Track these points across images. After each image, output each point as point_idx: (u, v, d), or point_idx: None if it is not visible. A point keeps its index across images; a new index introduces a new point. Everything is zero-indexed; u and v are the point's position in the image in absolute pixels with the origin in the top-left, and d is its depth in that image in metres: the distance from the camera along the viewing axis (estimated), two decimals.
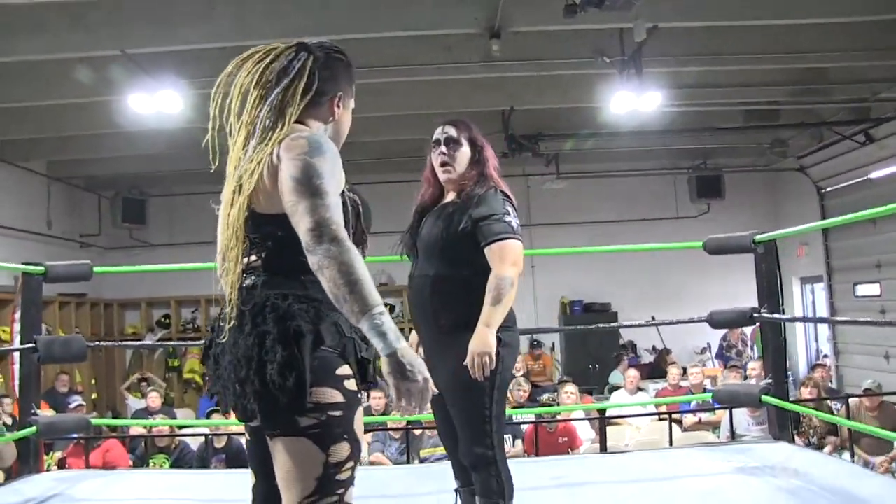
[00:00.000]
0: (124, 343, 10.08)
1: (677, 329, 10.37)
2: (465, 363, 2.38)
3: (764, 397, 3.74)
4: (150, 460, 5.69)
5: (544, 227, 11.26)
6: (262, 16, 5.63)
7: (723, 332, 9.61)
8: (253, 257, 1.77)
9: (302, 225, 1.59)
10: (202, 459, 5.69)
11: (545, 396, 6.37)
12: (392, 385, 1.56)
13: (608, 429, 6.63)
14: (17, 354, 4.44)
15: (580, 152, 9.96)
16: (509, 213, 2.50)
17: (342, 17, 5.77)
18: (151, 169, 10.29)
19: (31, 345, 3.92)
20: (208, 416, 6.06)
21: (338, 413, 1.65)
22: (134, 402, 9.04)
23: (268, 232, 1.72)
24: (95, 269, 4.08)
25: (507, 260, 2.43)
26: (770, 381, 3.84)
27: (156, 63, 6.16)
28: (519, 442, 5.76)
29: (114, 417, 8.93)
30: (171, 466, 5.69)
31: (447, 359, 2.46)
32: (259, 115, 1.76)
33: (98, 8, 5.42)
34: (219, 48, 6.05)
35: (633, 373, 7.54)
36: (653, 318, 9.75)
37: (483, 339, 2.35)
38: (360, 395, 1.77)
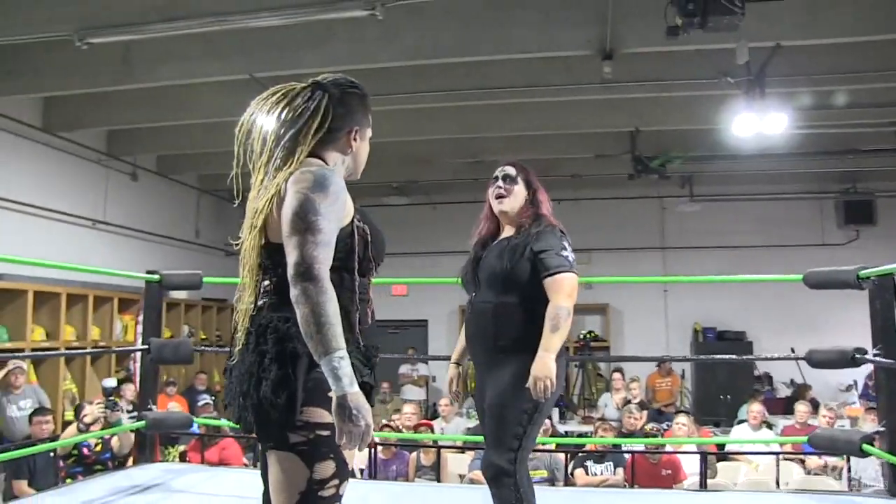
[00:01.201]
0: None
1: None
2: (525, 384, 2.52)
3: (865, 446, 3.44)
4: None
5: (678, 251, 10.93)
6: (377, 40, 5.83)
7: (870, 368, 8.86)
8: (266, 282, 1.87)
9: (290, 258, 1.70)
10: None
11: (650, 426, 6.13)
12: (336, 424, 1.64)
13: (722, 464, 6.34)
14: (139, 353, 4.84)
15: (715, 174, 9.58)
16: (566, 249, 2.66)
17: (456, 40, 5.89)
18: None
19: (146, 346, 4.30)
20: None
21: (326, 433, 1.72)
22: None
23: (278, 260, 1.80)
24: (235, 279, 4.39)
25: (563, 291, 2.59)
26: (882, 428, 3.54)
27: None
28: (620, 470, 5.60)
29: None
30: None
31: (499, 375, 2.62)
32: (274, 154, 1.86)
33: (229, 37, 5.83)
34: (342, 70, 6.38)
35: (757, 408, 7.12)
36: (792, 351, 9.16)
37: (545, 364, 2.50)
38: None
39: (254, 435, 1.86)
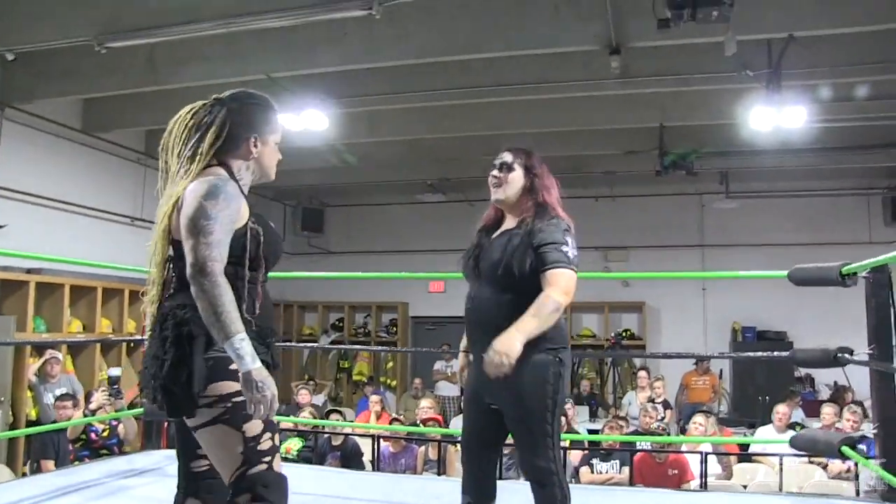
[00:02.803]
0: (288, 344, 10.93)
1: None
2: (538, 383, 2.53)
3: (844, 448, 3.34)
4: (283, 443, 6.14)
5: (717, 249, 10.71)
6: (389, 38, 5.90)
7: None
8: (171, 275, 2.10)
9: (187, 258, 1.93)
10: (321, 456, 6.06)
11: (655, 425, 6.05)
12: (246, 397, 1.88)
13: (742, 465, 6.23)
14: None
15: (753, 170, 9.35)
16: (567, 244, 2.58)
17: (467, 37, 5.92)
18: (330, 180, 11.06)
19: None
20: (326, 417, 6.43)
21: (240, 398, 1.92)
22: (302, 398, 9.78)
23: (179, 255, 2.01)
24: (277, 273, 4.54)
25: (558, 286, 2.51)
26: (865, 433, 3.44)
27: (302, 84, 6.70)
28: (626, 469, 5.55)
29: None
30: (299, 452, 6.06)
31: (513, 379, 2.47)
32: (182, 160, 2.09)
33: (248, 37, 6.00)
34: (360, 69, 6.50)
35: (783, 409, 6.95)
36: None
37: (510, 341, 2.39)
38: None
39: (167, 414, 2.04)
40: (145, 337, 2.13)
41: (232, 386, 1.94)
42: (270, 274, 2.18)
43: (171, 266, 2.09)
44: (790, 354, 3.67)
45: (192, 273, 1.89)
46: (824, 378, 10.22)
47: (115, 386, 5.26)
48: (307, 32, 5.90)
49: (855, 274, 3.47)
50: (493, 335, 2.49)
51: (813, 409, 9.15)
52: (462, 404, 8.89)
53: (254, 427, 1.95)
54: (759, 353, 4.88)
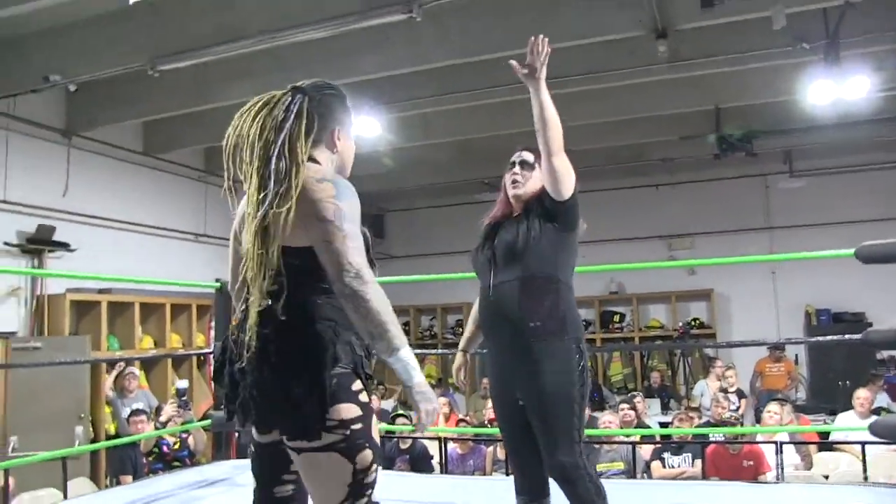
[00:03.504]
0: None
1: None
2: (566, 371, 2.51)
3: None
4: None
5: (785, 231, 10.35)
6: (431, 41, 5.91)
7: None
8: (275, 286, 1.85)
9: (333, 266, 1.79)
10: (390, 459, 6.09)
11: (727, 415, 5.86)
12: (422, 408, 1.84)
13: (823, 454, 5.99)
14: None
15: (817, 147, 9.00)
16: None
17: (507, 33, 5.86)
18: (387, 186, 11.11)
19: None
20: (392, 421, 6.46)
21: (358, 426, 1.83)
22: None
23: (287, 262, 1.85)
24: None
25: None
26: None
27: (351, 91, 6.74)
28: (699, 462, 5.41)
29: None
30: None
31: (534, 367, 2.52)
32: (270, 161, 1.86)
33: (291, 50, 6.08)
34: (407, 73, 6.51)
35: (864, 393, 6.65)
36: None
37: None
38: (370, 406, 1.93)
39: (271, 437, 1.94)
40: (208, 350, 1.90)
41: (352, 410, 1.83)
42: None
43: (280, 274, 1.84)
44: (863, 336, 3.50)
45: (349, 281, 1.76)
46: None
47: (184, 398, 5.40)
48: (349, 40, 5.94)
49: None
50: (527, 322, 2.51)
51: None
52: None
53: (365, 458, 1.84)
54: (830, 337, 4.64)
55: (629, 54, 6.49)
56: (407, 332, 12.35)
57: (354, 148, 2.12)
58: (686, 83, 7.17)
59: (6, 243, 6.89)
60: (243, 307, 1.94)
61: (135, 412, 5.97)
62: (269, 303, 1.84)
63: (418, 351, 11.64)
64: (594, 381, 10.14)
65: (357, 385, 1.86)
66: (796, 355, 10.14)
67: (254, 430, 2.03)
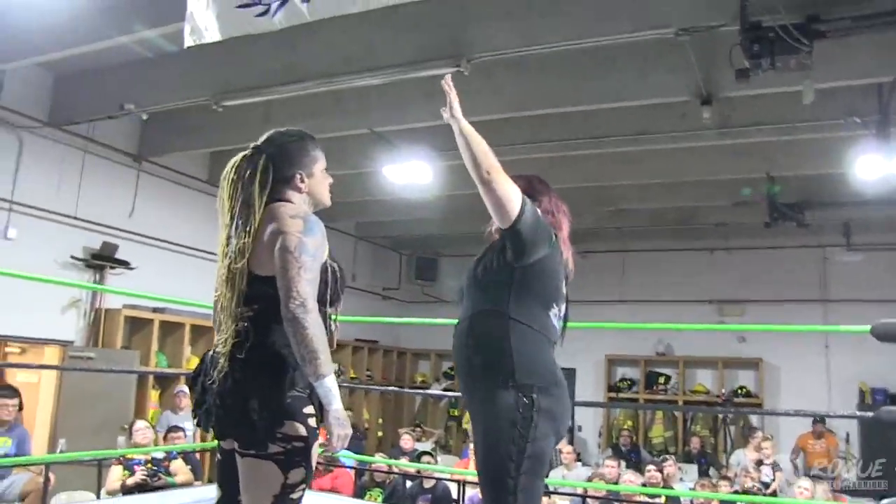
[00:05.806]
0: (388, 388, 11.14)
1: None
2: (504, 420, 2.20)
3: None
4: (368, 492, 6.32)
5: (840, 304, 10.11)
6: (484, 93, 6.10)
7: None
8: (245, 309, 2.12)
9: (285, 293, 1.99)
10: (412, 498, 6.16)
11: (750, 485, 5.74)
12: (335, 432, 2.02)
13: None
14: None
15: (874, 221, 8.82)
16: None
17: (556, 91, 6.03)
18: (444, 231, 11.30)
19: None
20: (418, 459, 6.53)
21: (301, 444, 2.03)
22: (404, 443, 9.94)
23: (260, 290, 2.09)
24: (390, 319, 4.77)
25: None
26: None
27: (406, 138, 7.03)
28: None
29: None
30: (384, 501, 6.25)
31: (478, 417, 2.32)
32: (235, 210, 2.16)
33: (349, 94, 6.39)
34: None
35: None
36: None
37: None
38: (317, 431, 2.12)
39: (228, 444, 2.13)
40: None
41: (299, 429, 2.03)
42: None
43: (250, 301, 2.09)
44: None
45: (294, 308, 1.95)
46: None
47: None
48: (404, 88, 6.19)
49: None
50: (470, 360, 2.35)
51: None
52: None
53: (297, 475, 2.02)
54: (870, 414, 4.45)
55: (680, 118, 6.57)
56: (452, 377, 12.43)
57: (327, 179, 2.34)
58: (737, 149, 7.18)
59: (73, 257, 7.35)
60: (222, 328, 2.16)
61: (172, 428, 6.20)
62: (246, 325, 2.09)
63: (456, 394, 11.60)
64: (632, 441, 9.98)
65: (309, 409, 2.07)
66: (847, 434, 9.82)
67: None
